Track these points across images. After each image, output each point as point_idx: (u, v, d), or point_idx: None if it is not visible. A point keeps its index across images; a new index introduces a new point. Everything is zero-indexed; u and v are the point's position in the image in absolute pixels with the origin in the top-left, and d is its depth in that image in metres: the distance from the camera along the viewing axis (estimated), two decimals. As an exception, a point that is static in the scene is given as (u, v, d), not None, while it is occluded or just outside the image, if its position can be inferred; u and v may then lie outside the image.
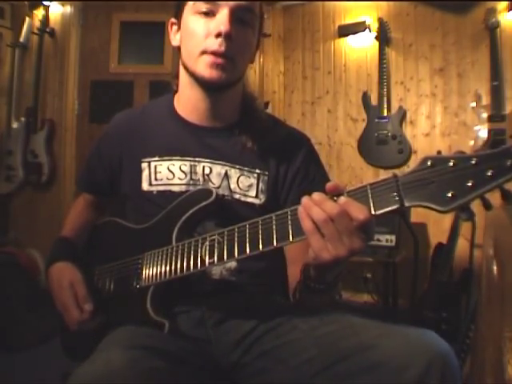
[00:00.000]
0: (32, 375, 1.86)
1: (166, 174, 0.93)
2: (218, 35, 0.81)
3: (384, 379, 0.67)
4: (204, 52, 0.83)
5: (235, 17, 0.83)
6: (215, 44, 0.82)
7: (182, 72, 0.93)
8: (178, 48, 0.92)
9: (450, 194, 0.57)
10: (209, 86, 0.88)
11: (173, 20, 0.94)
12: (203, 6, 0.84)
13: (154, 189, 0.94)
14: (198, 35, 0.84)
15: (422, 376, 0.65)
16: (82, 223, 1.09)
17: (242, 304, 0.89)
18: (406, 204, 0.59)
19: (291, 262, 0.91)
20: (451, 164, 0.58)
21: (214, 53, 0.82)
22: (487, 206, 0.68)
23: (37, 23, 2.96)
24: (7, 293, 2.29)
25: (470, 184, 0.56)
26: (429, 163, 0.59)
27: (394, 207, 0.60)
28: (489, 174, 0.55)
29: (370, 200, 0.62)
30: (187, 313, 0.89)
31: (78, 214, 1.10)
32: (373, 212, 0.61)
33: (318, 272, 0.71)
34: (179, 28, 0.92)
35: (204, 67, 0.84)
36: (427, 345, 0.68)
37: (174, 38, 0.94)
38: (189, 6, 0.87)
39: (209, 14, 0.84)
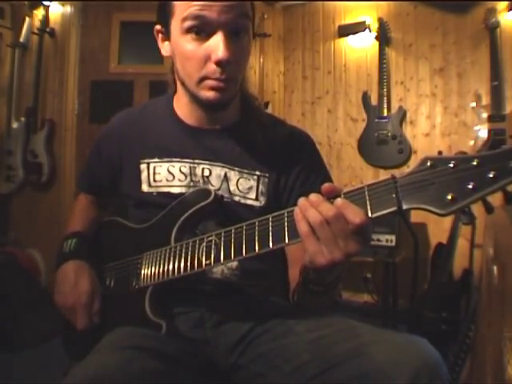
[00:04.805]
0: (32, 375, 1.86)
1: (165, 175, 0.92)
2: (217, 63, 0.79)
3: None
4: (205, 78, 0.81)
5: (230, 33, 0.79)
6: (216, 72, 0.80)
7: (179, 83, 0.90)
8: (170, 57, 0.88)
9: (449, 197, 0.54)
10: (211, 107, 0.87)
11: (158, 27, 0.88)
12: (193, 26, 0.79)
13: (153, 190, 0.93)
14: (195, 60, 0.81)
15: None
16: (88, 220, 1.06)
17: (241, 305, 0.89)
18: (404, 206, 0.57)
19: (292, 263, 0.90)
20: (452, 165, 0.55)
21: (216, 79, 0.81)
22: (488, 209, 0.67)
23: (37, 23, 2.95)
24: (7, 293, 2.29)
25: (470, 186, 0.53)
26: (429, 164, 0.57)
27: (392, 210, 0.58)
28: (491, 175, 0.53)
29: (368, 202, 0.60)
30: (186, 314, 0.88)
31: (82, 211, 1.08)
32: (370, 215, 0.59)
33: (316, 274, 0.70)
34: (167, 37, 0.87)
35: (207, 90, 0.82)
36: (415, 353, 0.66)
37: (163, 47, 0.88)
38: (176, 21, 0.81)
39: (200, 33, 0.79)
